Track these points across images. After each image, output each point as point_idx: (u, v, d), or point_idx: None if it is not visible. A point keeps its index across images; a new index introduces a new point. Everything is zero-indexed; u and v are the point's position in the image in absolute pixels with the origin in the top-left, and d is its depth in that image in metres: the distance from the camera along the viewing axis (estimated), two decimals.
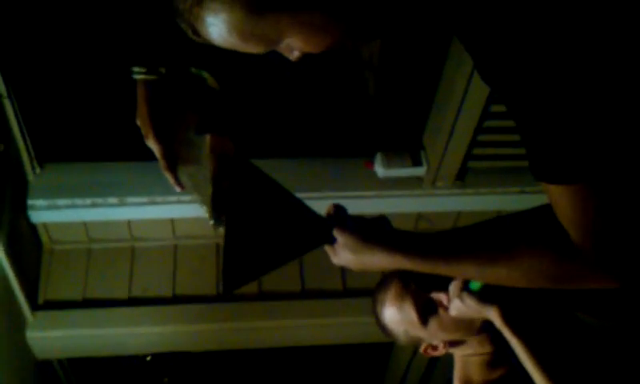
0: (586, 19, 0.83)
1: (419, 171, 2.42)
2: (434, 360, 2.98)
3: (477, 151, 2.37)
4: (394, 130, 2.42)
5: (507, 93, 0.91)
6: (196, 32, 0.91)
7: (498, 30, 0.88)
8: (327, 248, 1.21)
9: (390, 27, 0.96)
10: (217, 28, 0.88)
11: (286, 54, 0.94)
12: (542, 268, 1.01)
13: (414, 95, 2.32)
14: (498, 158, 2.41)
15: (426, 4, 0.94)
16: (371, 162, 2.43)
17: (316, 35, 0.90)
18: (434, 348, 1.57)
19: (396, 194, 2.45)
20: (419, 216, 2.55)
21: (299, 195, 1.26)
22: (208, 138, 1.27)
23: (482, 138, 2.31)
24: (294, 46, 0.92)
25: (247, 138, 1.38)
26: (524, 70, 0.86)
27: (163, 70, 1.18)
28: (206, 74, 1.22)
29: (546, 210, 0.99)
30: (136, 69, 1.19)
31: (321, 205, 1.25)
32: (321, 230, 1.20)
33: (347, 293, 2.58)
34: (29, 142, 2.23)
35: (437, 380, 3.19)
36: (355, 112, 2.37)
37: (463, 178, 2.46)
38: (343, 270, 1.17)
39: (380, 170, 2.41)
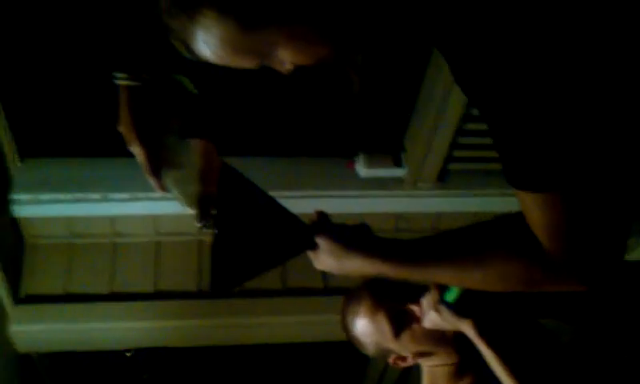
0: (559, 31, 0.85)
1: (400, 172, 2.44)
2: None
3: (457, 153, 2.40)
4: (376, 131, 2.44)
5: (482, 101, 0.93)
6: (190, 49, 0.92)
7: (472, 40, 0.89)
8: (310, 253, 1.23)
9: (376, 38, 0.98)
10: (210, 44, 0.89)
11: (278, 68, 0.95)
12: (515, 273, 1.04)
13: (396, 97, 2.34)
14: (478, 161, 2.44)
15: (409, 18, 0.96)
16: (353, 162, 2.45)
17: (308, 48, 0.91)
18: (403, 359, 1.57)
19: (377, 195, 2.47)
20: (399, 217, 2.58)
21: (281, 194, 1.28)
22: (191, 141, 1.28)
23: (462, 140, 2.34)
24: (285, 59, 0.93)
25: (228, 137, 1.38)
26: (497, 80, 0.88)
27: (146, 76, 1.18)
28: (185, 80, 1.23)
29: (521, 217, 1.02)
30: (118, 74, 1.19)
31: (303, 204, 1.26)
32: (304, 235, 1.22)
33: (328, 291, 2.59)
34: (11, 137, 2.23)
35: (415, 376, 3.22)
36: (337, 112, 2.38)
37: (444, 179, 2.49)
38: None
39: (361, 170, 2.43)
